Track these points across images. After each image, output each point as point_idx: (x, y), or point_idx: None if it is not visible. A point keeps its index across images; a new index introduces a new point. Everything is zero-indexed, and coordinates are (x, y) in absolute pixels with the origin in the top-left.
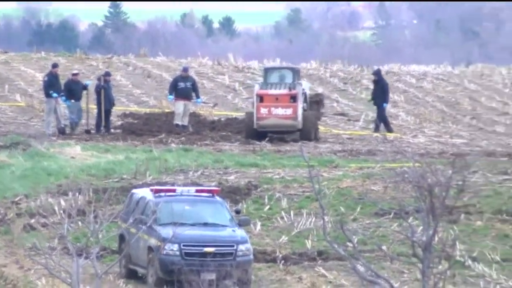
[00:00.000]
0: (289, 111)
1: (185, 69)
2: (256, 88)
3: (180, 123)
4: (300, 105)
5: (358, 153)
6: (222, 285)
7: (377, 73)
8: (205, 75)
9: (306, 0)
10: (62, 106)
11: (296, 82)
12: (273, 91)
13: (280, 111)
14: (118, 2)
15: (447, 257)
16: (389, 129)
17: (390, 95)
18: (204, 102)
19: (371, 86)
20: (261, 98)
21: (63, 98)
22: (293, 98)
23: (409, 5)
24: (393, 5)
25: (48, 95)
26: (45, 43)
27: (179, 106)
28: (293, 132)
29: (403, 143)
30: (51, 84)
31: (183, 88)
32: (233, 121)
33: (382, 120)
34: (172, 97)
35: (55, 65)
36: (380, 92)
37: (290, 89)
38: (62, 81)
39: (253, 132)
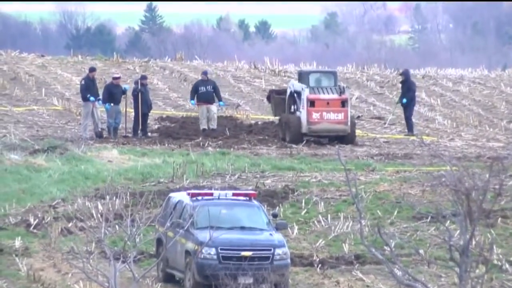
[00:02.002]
0: (340, 116)
1: (205, 73)
2: (306, 92)
3: (206, 127)
4: (349, 109)
5: (395, 157)
6: None
7: (405, 73)
8: (242, 79)
9: (342, 0)
10: (100, 109)
11: (344, 86)
12: (324, 96)
13: (332, 116)
14: (153, 6)
15: (485, 261)
16: (409, 129)
17: (427, 98)
18: (226, 105)
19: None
20: (312, 102)
21: (100, 101)
22: (344, 102)
23: (444, 9)
24: (429, 9)
25: (85, 99)
26: (82, 47)
27: (202, 111)
28: (342, 136)
29: (440, 147)
30: (88, 87)
31: (204, 92)
32: (270, 124)
33: (407, 119)
34: (194, 101)
35: (92, 69)
36: (407, 92)
37: (340, 93)
38: (100, 85)
39: (300, 136)
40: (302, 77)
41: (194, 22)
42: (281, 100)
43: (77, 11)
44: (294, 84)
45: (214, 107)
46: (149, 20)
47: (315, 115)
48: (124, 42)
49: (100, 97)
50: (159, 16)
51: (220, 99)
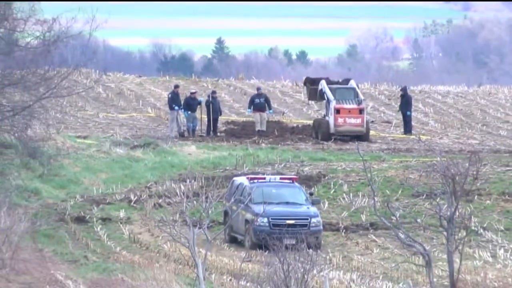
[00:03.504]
0: (358, 121)
1: (258, 89)
2: (334, 103)
3: (259, 129)
4: (365, 116)
5: (399, 151)
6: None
7: (404, 89)
8: (287, 93)
9: None
10: (182, 116)
11: (361, 99)
12: (347, 106)
13: (352, 120)
14: (222, 39)
15: (465, 227)
16: (406, 131)
17: (422, 107)
18: (273, 113)
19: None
20: (337, 110)
21: (183, 110)
22: (361, 111)
23: (436, 42)
24: (425, 42)
25: (171, 108)
26: (169, 70)
27: (256, 117)
28: (360, 136)
29: (432, 143)
30: (173, 99)
31: (258, 103)
32: (307, 127)
33: (406, 123)
34: (250, 110)
35: (176, 86)
36: (405, 103)
37: (358, 104)
38: (182, 98)
39: (329, 135)
40: (331, 89)
41: (252, 51)
42: (314, 90)
43: (165, 43)
44: (323, 84)
45: (265, 114)
46: (218, 50)
47: (340, 120)
48: (200, 66)
49: (182, 106)
50: (226, 47)
51: (270, 108)
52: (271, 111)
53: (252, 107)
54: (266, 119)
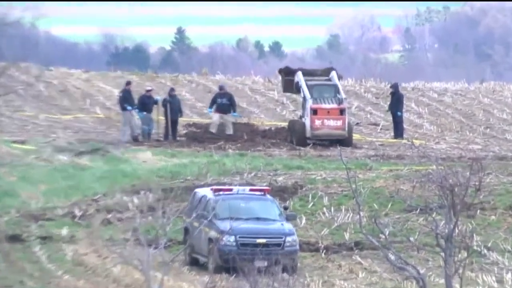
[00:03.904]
0: (339, 123)
1: (221, 87)
2: (310, 103)
3: (214, 131)
4: (347, 117)
5: (389, 158)
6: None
7: (395, 86)
8: (257, 91)
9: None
10: (136, 117)
11: (342, 97)
12: (325, 105)
13: (332, 122)
14: (182, 29)
15: (466, 247)
16: (397, 134)
17: (415, 107)
18: (238, 116)
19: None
20: (314, 111)
21: (137, 110)
22: (342, 111)
23: (430, 31)
24: (418, 31)
25: (123, 108)
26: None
27: (215, 119)
28: (341, 140)
29: (427, 149)
30: (125, 98)
31: (220, 103)
32: (282, 130)
33: (396, 125)
34: (211, 110)
35: (128, 83)
36: (396, 102)
37: (339, 103)
38: (136, 96)
39: (304, 140)
40: (308, 86)
41: (217, 43)
42: (290, 81)
43: (116, 34)
44: (299, 77)
45: (229, 117)
46: (178, 41)
47: (317, 122)
48: (157, 59)
49: (136, 106)
50: (187, 38)
51: (234, 110)
52: (235, 114)
53: (214, 107)
54: (232, 121)
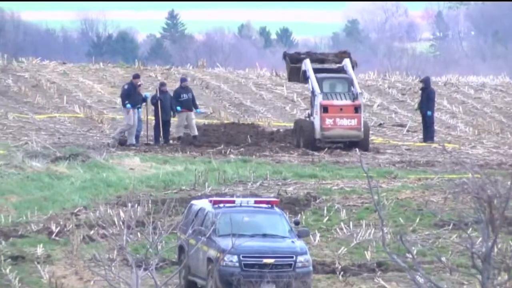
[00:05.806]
0: (353, 122)
1: (183, 80)
2: (319, 98)
3: (182, 135)
4: (363, 115)
5: (417, 164)
6: None
7: (425, 80)
8: (263, 86)
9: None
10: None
11: (357, 92)
12: (337, 102)
13: (345, 121)
14: (175, 13)
15: (507, 268)
16: (427, 137)
17: (448, 105)
18: (202, 112)
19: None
20: (325, 108)
21: (128, 106)
22: (357, 108)
23: (466, 16)
24: (451, 16)
25: (124, 105)
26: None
27: (182, 118)
28: (356, 142)
29: (461, 154)
30: (128, 94)
31: (185, 99)
32: (292, 132)
33: (426, 127)
34: (180, 108)
35: (136, 76)
36: (426, 100)
37: (353, 99)
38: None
39: (313, 142)
40: (317, 79)
41: (216, 30)
42: (296, 68)
43: (98, 19)
44: (307, 66)
45: (193, 114)
46: (170, 28)
47: (328, 121)
48: (146, 49)
49: (140, 105)
50: (181, 24)
51: (196, 107)
52: (198, 110)
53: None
54: (195, 119)
